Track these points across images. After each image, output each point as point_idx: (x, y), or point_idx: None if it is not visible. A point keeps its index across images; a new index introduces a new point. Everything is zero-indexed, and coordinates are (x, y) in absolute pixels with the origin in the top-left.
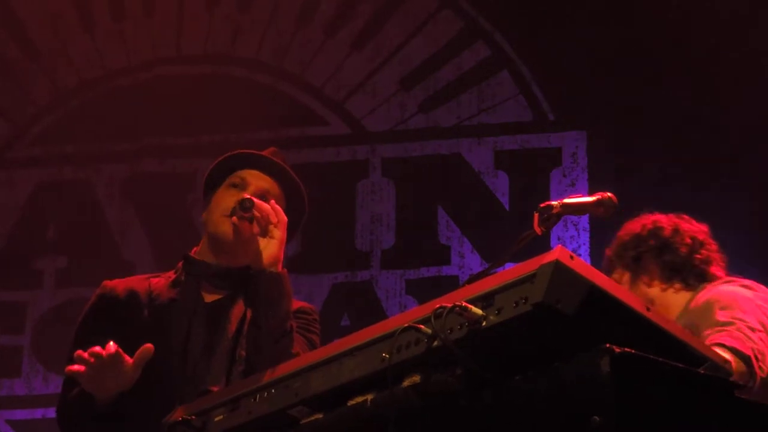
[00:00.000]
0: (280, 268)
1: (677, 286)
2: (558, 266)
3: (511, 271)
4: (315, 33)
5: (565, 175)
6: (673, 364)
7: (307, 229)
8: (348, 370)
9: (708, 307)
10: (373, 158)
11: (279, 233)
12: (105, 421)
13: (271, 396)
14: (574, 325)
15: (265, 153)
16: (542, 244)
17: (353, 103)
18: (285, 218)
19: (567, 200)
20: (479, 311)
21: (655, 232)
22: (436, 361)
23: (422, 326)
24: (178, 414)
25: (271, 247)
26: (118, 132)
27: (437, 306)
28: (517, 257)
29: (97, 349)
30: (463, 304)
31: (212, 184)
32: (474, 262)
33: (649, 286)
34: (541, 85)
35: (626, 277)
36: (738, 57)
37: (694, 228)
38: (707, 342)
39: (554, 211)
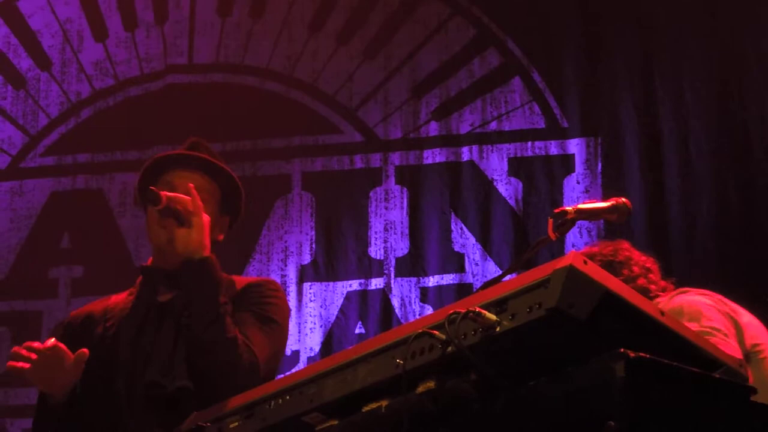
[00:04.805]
0: (206, 253)
1: None
2: (572, 271)
3: (524, 277)
4: (327, 41)
5: (578, 182)
6: (688, 368)
7: (321, 237)
8: (362, 377)
9: None
10: (386, 166)
11: (198, 219)
12: (62, 420)
13: (286, 402)
14: (588, 330)
15: (185, 147)
16: (557, 252)
17: (366, 110)
18: (200, 203)
19: (581, 206)
20: (493, 317)
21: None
22: (450, 367)
23: (436, 332)
24: (192, 421)
25: (192, 235)
26: (131, 141)
27: (451, 312)
28: (531, 263)
29: (36, 344)
30: (477, 309)
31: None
32: (488, 269)
33: None
34: (553, 91)
35: None
36: (755, 58)
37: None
38: None
39: (569, 216)
